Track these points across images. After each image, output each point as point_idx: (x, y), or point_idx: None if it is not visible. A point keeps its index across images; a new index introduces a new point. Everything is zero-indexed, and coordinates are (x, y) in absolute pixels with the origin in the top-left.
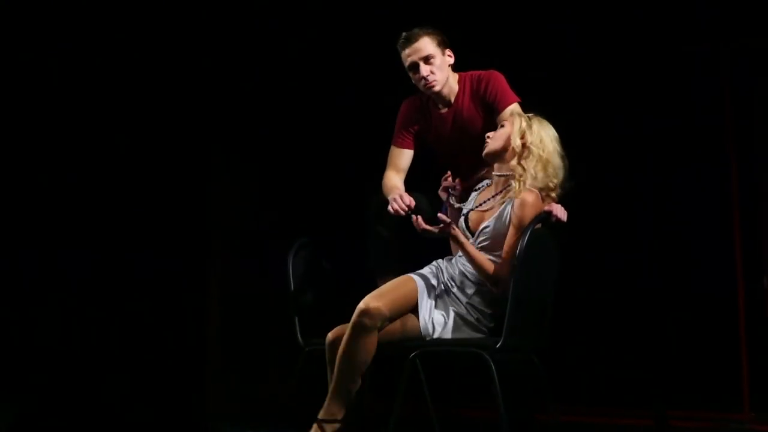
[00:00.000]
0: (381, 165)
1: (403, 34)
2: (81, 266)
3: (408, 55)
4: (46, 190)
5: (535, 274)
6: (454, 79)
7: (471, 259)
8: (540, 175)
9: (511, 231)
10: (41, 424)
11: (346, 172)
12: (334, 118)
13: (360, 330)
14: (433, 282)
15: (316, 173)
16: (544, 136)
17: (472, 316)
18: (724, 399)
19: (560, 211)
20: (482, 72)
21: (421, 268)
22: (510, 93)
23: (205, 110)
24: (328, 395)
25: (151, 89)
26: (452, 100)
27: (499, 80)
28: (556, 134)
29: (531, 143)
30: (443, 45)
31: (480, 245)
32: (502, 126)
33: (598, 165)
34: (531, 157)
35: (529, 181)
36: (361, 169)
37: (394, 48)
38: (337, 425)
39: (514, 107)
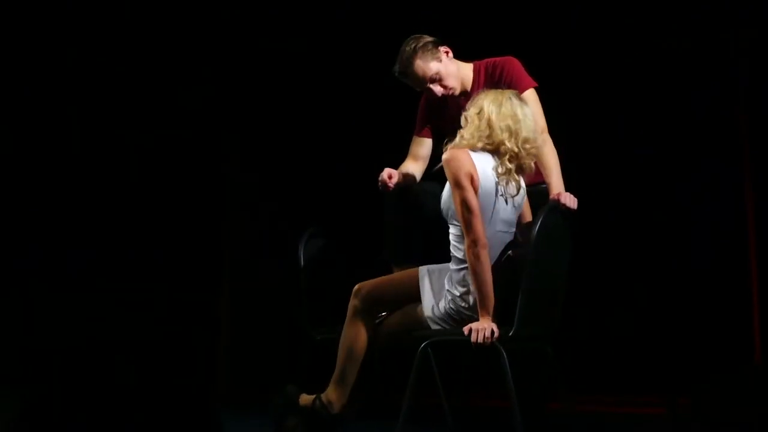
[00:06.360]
0: (397, 157)
1: (396, 65)
2: (94, 259)
3: (415, 86)
4: (63, 185)
5: (547, 263)
6: (465, 67)
7: None
8: (477, 136)
9: (453, 192)
10: (50, 412)
11: (358, 163)
12: (347, 109)
13: (353, 313)
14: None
15: (330, 164)
16: (486, 109)
17: (463, 308)
18: None
19: (569, 200)
20: (497, 58)
21: (437, 256)
22: (526, 77)
23: (218, 106)
24: (330, 381)
25: (164, 85)
26: (468, 88)
27: (514, 65)
28: (513, 112)
29: (468, 114)
30: (434, 51)
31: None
32: None
33: (608, 146)
34: (469, 125)
35: (458, 141)
36: (371, 161)
37: (401, 35)
38: (335, 410)
39: (531, 92)
